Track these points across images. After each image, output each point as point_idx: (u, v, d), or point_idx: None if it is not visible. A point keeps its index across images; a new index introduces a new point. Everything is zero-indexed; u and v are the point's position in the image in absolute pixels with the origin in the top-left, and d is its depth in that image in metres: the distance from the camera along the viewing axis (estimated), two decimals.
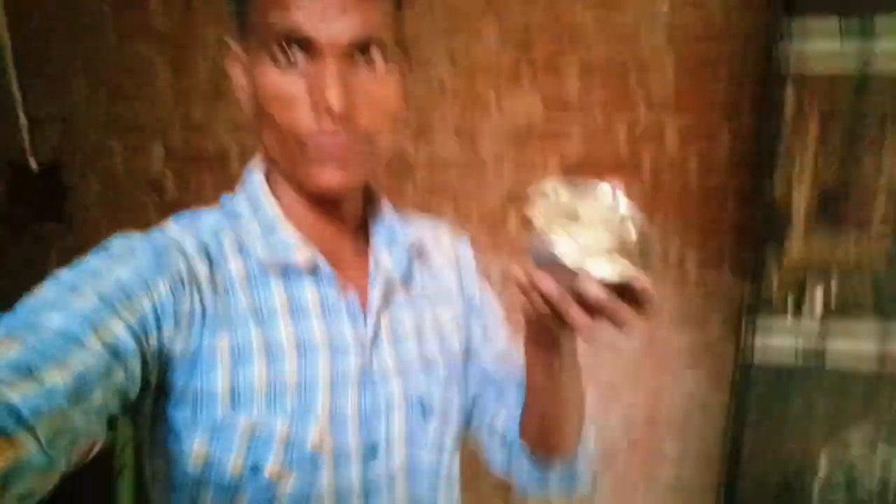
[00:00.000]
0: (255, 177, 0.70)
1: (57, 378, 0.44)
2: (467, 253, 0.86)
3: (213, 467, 0.59)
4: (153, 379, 0.56)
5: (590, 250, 0.52)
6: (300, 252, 0.65)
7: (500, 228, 2.14)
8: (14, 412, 0.41)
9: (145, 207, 2.34)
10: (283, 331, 0.63)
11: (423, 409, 0.70)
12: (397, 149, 2.13)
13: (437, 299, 0.78)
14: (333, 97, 0.55)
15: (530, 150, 2.08)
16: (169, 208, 2.27)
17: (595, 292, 0.50)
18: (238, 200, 0.69)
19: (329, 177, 0.60)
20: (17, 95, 2.36)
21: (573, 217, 0.55)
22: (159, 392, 0.59)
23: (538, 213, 0.55)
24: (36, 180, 2.42)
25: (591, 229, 0.54)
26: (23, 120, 2.37)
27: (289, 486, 0.61)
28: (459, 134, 2.11)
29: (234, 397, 0.59)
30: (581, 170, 2.04)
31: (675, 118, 1.97)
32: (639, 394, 2.14)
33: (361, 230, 0.74)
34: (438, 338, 0.75)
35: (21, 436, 0.40)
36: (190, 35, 2.19)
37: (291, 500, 0.61)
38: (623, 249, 0.53)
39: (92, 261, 0.56)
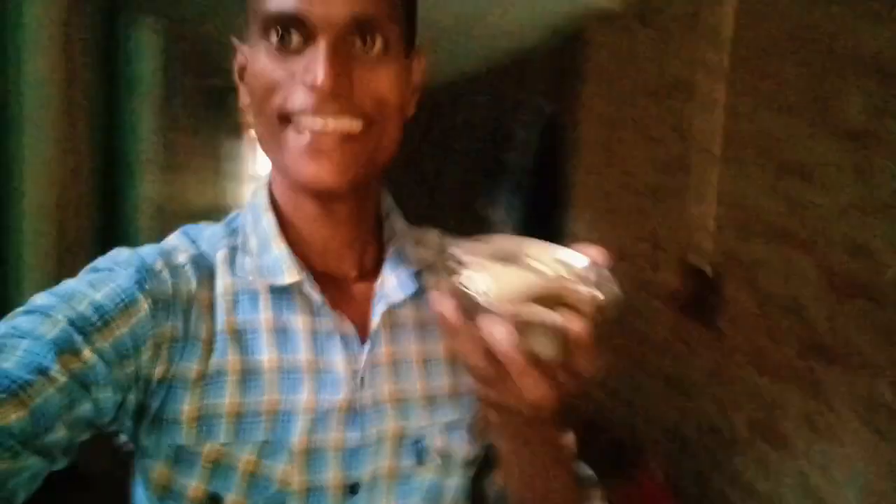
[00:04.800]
0: (261, 191, 0.67)
1: (12, 416, 0.43)
2: None
3: (172, 494, 0.57)
4: (131, 405, 0.55)
5: (512, 292, 0.44)
6: (288, 273, 0.62)
7: None
8: None
9: (789, 338, 1.95)
10: (265, 355, 0.59)
11: (419, 452, 0.65)
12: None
13: None
14: (322, 74, 0.53)
15: None
16: (812, 346, 1.88)
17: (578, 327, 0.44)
18: (243, 214, 0.68)
19: (321, 168, 0.56)
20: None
21: (508, 259, 0.47)
22: (136, 418, 0.57)
23: (468, 251, 0.48)
24: (705, 283, 2.39)
25: (523, 272, 0.46)
26: (711, 225, 2.36)
27: None
28: None
29: (201, 423, 0.56)
30: None
31: None
32: None
33: (374, 249, 0.70)
34: (453, 374, 0.69)
35: None
36: (884, 135, 1.67)
37: None
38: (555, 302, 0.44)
39: (72, 282, 0.55)
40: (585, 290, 0.45)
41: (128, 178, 2.62)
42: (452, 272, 0.48)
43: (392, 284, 0.66)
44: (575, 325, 0.43)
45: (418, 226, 0.76)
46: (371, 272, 0.68)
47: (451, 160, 5.05)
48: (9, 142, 1.63)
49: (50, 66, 1.72)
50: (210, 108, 4.72)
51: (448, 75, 4.79)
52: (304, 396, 0.59)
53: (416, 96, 0.65)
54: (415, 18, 0.63)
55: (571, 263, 0.47)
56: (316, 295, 0.62)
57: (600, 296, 0.46)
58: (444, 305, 0.47)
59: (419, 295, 0.68)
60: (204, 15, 2.92)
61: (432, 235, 0.77)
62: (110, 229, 2.43)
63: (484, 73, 4.42)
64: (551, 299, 0.44)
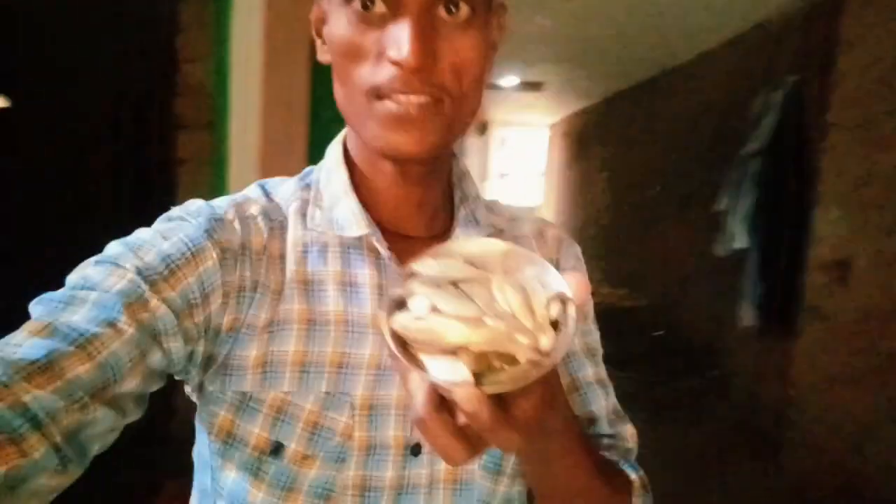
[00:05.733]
0: (335, 147, 0.68)
1: (80, 369, 0.44)
2: (572, 260, 0.75)
3: (235, 441, 0.58)
4: (199, 355, 0.56)
5: (438, 337, 0.41)
6: (357, 227, 0.62)
7: None
8: (26, 414, 0.40)
9: None
10: (332, 307, 0.60)
11: None
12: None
13: None
14: (409, 51, 0.51)
15: None
16: None
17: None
18: (317, 170, 0.68)
19: (403, 138, 0.56)
20: None
21: (470, 280, 0.44)
22: (204, 366, 0.58)
23: (431, 267, 0.46)
24: None
25: (466, 309, 0.42)
26: None
27: (311, 474, 0.58)
28: None
29: (266, 370, 0.57)
30: None
31: None
32: None
33: (446, 212, 0.69)
34: None
35: (31, 438, 0.40)
36: None
37: (312, 491, 0.58)
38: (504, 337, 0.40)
39: (144, 231, 0.56)
40: (524, 342, 0.41)
41: None
42: (399, 297, 0.45)
43: None
44: (469, 402, 0.38)
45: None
46: (441, 234, 0.68)
47: (680, 146, 4.64)
48: (217, 127, 1.81)
49: (259, 55, 1.82)
50: None
51: (680, 55, 4.40)
52: (368, 351, 0.59)
53: (495, 52, 0.63)
54: None
55: (534, 295, 0.43)
56: (384, 250, 0.62)
57: (541, 346, 0.41)
58: (386, 336, 0.44)
59: None
60: None
61: (502, 204, 0.78)
62: None
63: (719, 49, 3.97)
64: (484, 345, 0.41)
